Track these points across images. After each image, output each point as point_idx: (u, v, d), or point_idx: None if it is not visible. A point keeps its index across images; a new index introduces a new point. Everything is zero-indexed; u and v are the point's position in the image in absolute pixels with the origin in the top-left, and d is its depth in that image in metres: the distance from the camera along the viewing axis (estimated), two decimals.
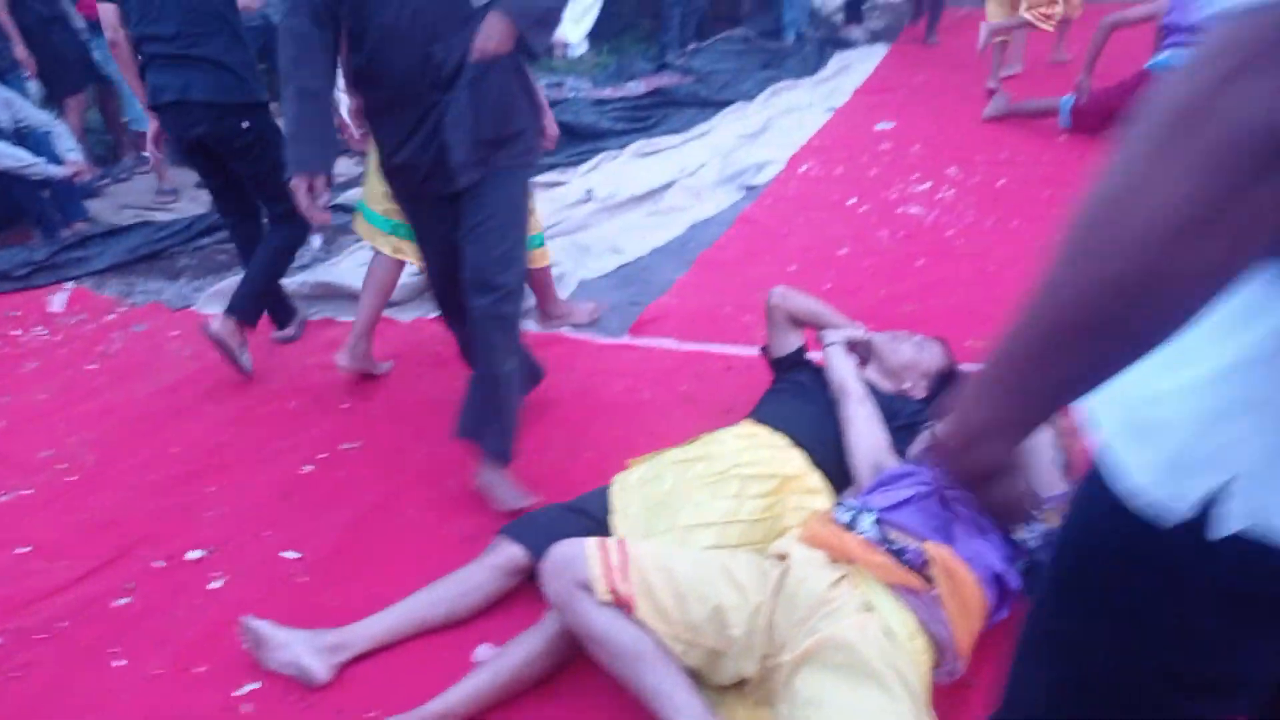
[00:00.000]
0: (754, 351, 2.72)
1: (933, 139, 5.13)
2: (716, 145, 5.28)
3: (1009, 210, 4.03)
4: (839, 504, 1.80)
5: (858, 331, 2.45)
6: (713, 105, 5.98)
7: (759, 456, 2.03)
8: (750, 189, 4.60)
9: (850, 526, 1.69)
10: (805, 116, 5.85)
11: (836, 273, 3.55)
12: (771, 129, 5.59)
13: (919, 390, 2.36)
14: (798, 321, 2.45)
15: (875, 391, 2.30)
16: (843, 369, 2.21)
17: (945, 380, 2.40)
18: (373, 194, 2.98)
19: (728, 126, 5.66)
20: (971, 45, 7.25)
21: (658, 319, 3.28)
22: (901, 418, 2.21)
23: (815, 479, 2.04)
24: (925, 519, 1.70)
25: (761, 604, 1.61)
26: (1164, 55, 4.57)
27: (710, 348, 3.03)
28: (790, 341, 2.44)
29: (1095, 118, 4.81)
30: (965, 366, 2.64)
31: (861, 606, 1.55)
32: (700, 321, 3.22)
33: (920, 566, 1.60)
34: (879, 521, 1.68)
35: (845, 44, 7.82)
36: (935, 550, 1.62)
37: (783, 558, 1.71)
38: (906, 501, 1.74)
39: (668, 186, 4.64)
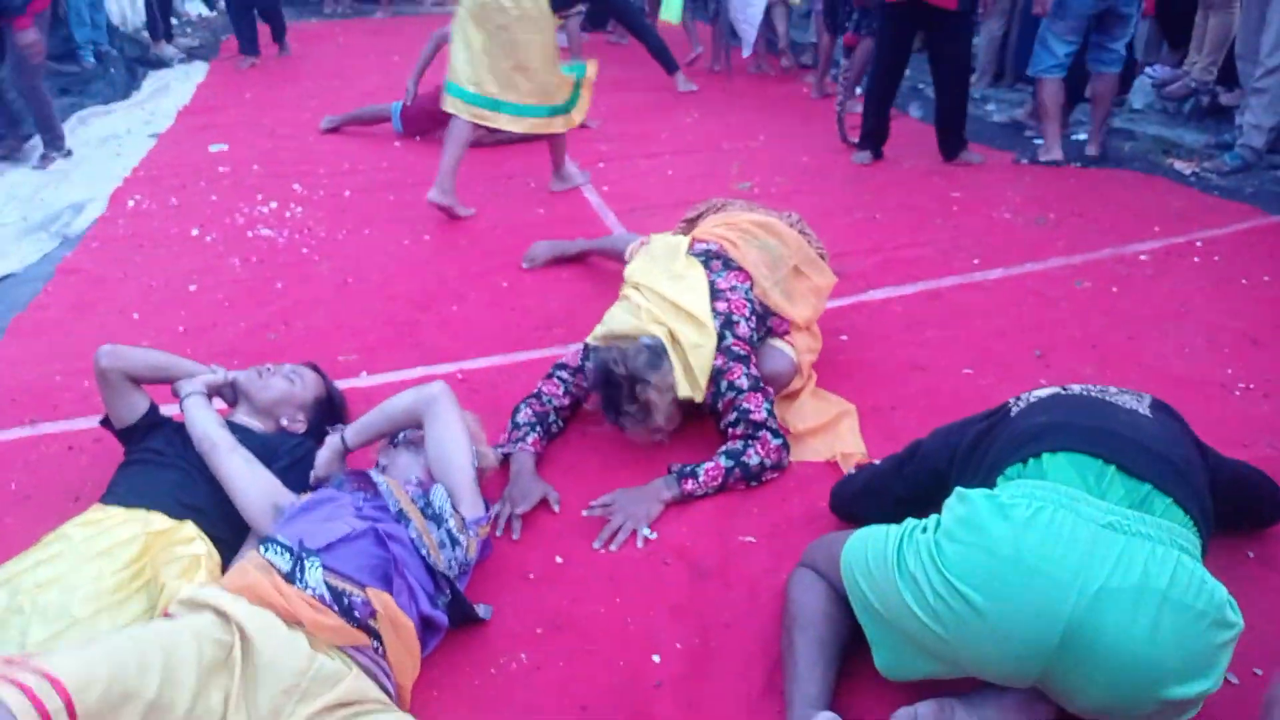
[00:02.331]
0: (98, 421, 2.34)
1: (272, 156, 4.98)
2: (12, 189, 4.44)
3: (359, 219, 4.10)
4: (270, 541, 1.63)
5: (216, 375, 2.26)
6: None
7: (112, 538, 1.76)
8: (69, 238, 3.96)
9: (291, 577, 1.54)
10: (125, 144, 5.24)
11: (189, 312, 3.24)
12: (85, 163, 4.89)
13: (298, 424, 2.27)
14: (140, 380, 2.16)
15: (251, 434, 2.15)
16: (202, 421, 2.02)
17: (323, 407, 2.35)
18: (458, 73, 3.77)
19: (26, 165, 4.79)
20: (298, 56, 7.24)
21: None
22: (283, 456, 2.10)
23: (189, 529, 1.84)
24: (364, 561, 1.63)
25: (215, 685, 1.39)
26: None
27: (44, 429, 2.54)
28: (136, 405, 2.14)
29: (422, 117, 5.15)
30: (341, 385, 2.64)
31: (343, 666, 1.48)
32: (25, 401, 2.68)
33: (367, 618, 1.53)
34: (324, 568, 1.56)
35: (159, 63, 7.18)
36: (378, 599, 1.56)
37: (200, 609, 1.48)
38: (344, 540, 1.65)
39: None
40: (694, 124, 5.61)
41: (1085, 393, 1.64)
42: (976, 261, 3.42)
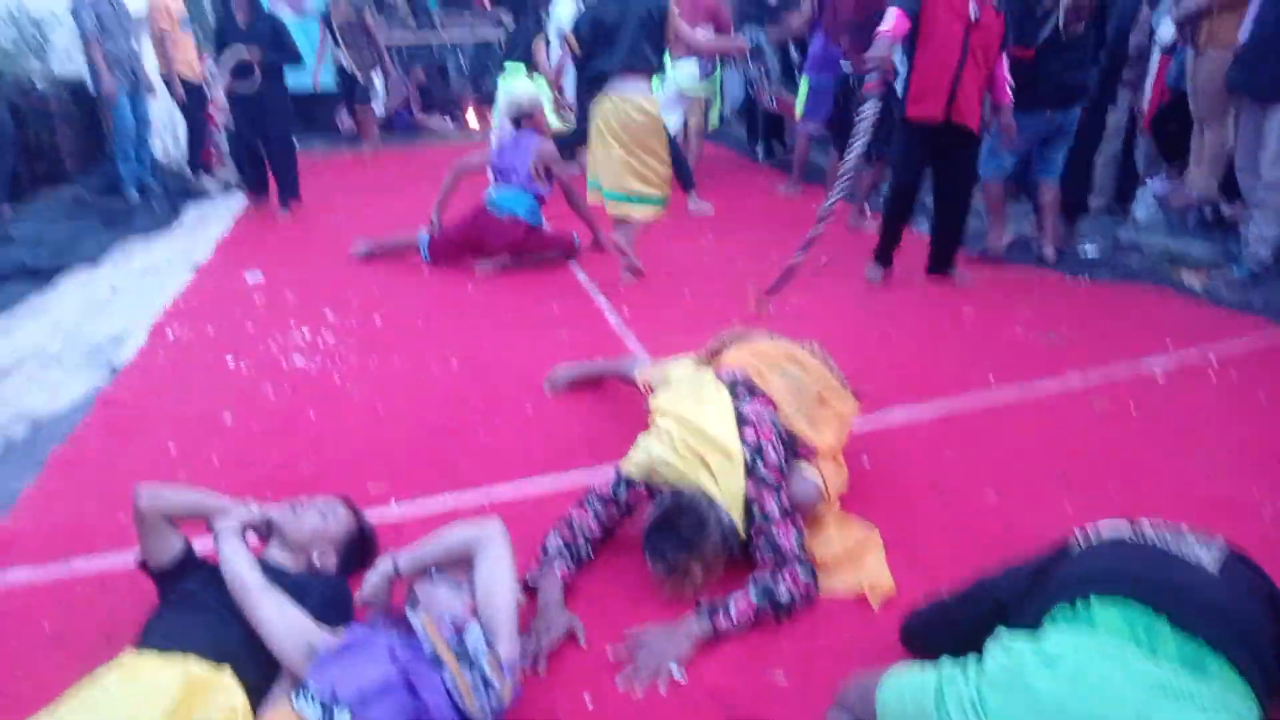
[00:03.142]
0: (133, 561, 2.39)
1: (306, 284, 5.17)
2: (58, 322, 4.63)
3: (388, 345, 4.22)
4: (302, 689, 1.65)
5: (251, 511, 2.32)
6: (45, 274, 5.24)
7: (148, 686, 1.79)
8: (111, 369, 4.10)
9: None
10: (165, 275, 5.45)
11: (224, 444, 3.33)
12: (126, 294, 5.09)
13: (330, 561, 2.31)
14: (177, 519, 2.23)
15: (284, 574, 2.19)
16: (235, 562, 2.06)
17: (355, 543, 2.40)
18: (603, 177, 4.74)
19: (70, 297, 5.00)
20: (323, 191, 7.56)
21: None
22: (315, 595, 2.13)
23: (226, 676, 1.86)
24: (396, 710, 1.66)
25: None
26: (491, 191, 5.31)
27: (78, 566, 2.60)
28: (172, 545, 2.20)
29: (448, 246, 5.37)
30: (371, 514, 2.69)
31: None
32: (59, 538, 2.74)
33: None
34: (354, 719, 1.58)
35: (200, 194, 7.52)
36: None
37: None
38: (377, 689, 1.67)
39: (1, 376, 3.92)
40: (712, 244, 5.78)
41: (1152, 537, 1.60)
42: (992, 379, 3.48)
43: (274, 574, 2.14)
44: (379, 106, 9.83)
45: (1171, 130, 5.52)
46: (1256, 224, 4.46)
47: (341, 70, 8.79)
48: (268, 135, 6.58)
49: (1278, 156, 4.27)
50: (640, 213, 4.85)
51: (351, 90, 8.99)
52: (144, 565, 2.22)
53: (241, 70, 6.35)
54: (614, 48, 4.53)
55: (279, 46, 6.55)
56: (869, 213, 5.96)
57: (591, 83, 4.69)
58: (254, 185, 6.93)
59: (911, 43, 4.24)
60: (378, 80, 9.34)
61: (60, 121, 6.62)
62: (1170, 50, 5.55)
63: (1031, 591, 1.62)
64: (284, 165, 6.74)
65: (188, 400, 3.72)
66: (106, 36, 6.51)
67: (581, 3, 7.37)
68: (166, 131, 7.94)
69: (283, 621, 1.96)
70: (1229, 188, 5.21)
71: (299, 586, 2.13)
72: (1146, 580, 1.44)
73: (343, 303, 4.84)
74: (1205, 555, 1.54)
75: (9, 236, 5.65)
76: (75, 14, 6.51)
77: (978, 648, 1.54)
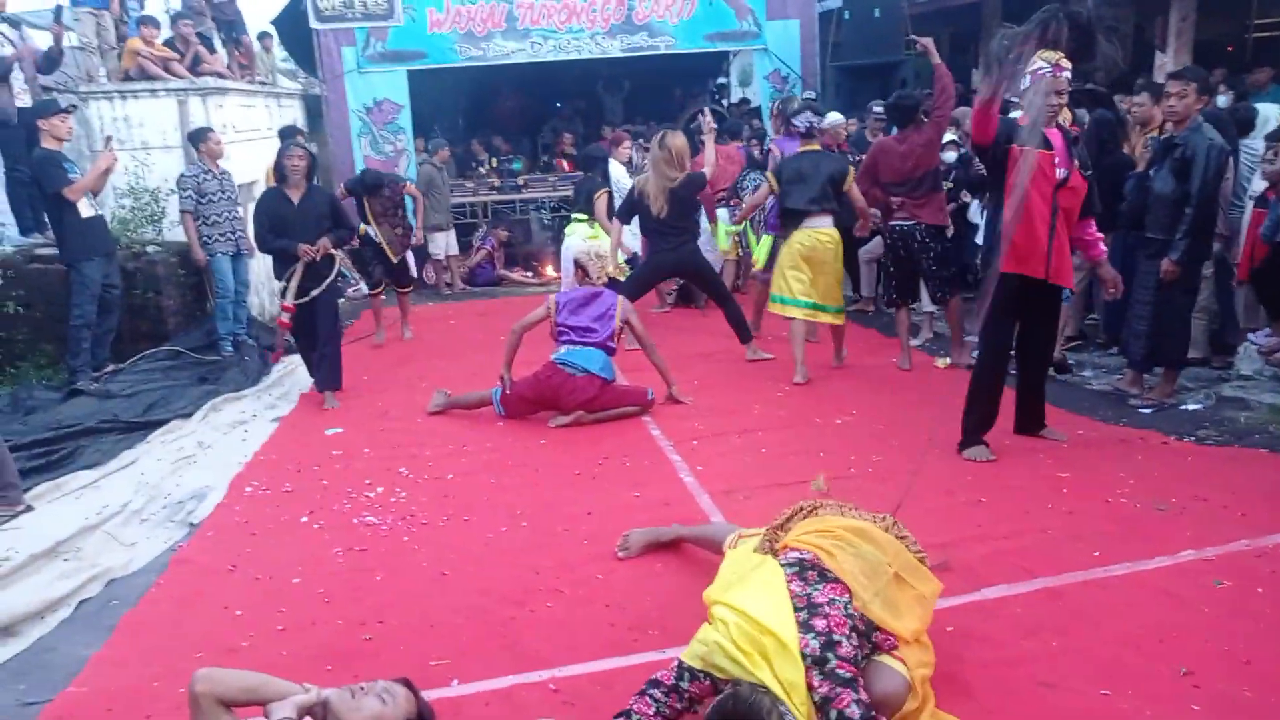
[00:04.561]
0: None
1: (382, 439, 5.22)
2: (144, 477, 4.74)
3: (460, 504, 4.18)
4: None
5: (309, 694, 2.22)
6: (139, 429, 5.42)
7: None
8: (191, 526, 4.15)
9: None
10: (250, 429, 5.59)
11: (289, 608, 3.27)
12: (212, 449, 5.22)
13: None
14: (233, 704, 2.15)
15: None
16: None
17: None
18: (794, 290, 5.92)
19: (159, 452, 5.15)
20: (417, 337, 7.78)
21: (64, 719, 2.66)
22: None
23: None
24: None
25: None
26: (562, 350, 5.35)
27: None
28: None
29: (521, 403, 5.39)
30: (431, 695, 2.56)
31: None
32: (119, 709, 2.68)
33: None
34: None
35: (290, 350, 7.79)
36: None
37: None
38: None
39: (85, 533, 3.99)
40: (784, 397, 5.68)
41: None
42: (1097, 554, 3.22)
43: None
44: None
45: (1273, 283, 5.30)
46: None
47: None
48: (319, 332, 5.91)
49: None
50: (832, 319, 6.08)
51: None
52: None
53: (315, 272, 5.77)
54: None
55: (340, 222, 5.99)
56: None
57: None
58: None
59: (998, 198, 4.19)
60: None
61: (166, 283, 7.00)
62: (1262, 202, 5.41)
63: None
64: (333, 356, 6.00)
65: (258, 560, 3.71)
66: (208, 205, 6.98)
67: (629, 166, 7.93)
68: (265, 289, 8.36)
69: None
70: None
71: None
72: None
73: (418, 458, 4.85)
74: None
75: (108, 392, 5.89)
76: (179, 188, 7.02)
77: None
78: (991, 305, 4.34)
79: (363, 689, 2.25)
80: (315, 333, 5.95)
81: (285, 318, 5.96)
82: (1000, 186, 4.17)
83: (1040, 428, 4.56)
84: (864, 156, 6.62)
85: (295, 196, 5.78)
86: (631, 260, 7.37)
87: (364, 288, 8.54)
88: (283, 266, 5.85)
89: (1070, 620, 2.80)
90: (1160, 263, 4.78)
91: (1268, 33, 9.80)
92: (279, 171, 5.84)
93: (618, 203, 7.18)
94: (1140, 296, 4.98)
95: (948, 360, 6.12)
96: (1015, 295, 4.21)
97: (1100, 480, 3.91)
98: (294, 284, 5.77)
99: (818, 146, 6.15)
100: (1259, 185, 5.50)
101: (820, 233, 5.88)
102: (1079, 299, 6.27)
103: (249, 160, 8.50)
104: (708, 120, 6.75)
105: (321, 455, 5.02)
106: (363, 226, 7.53)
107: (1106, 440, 4.53)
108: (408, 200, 8.37)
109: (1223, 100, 6.76)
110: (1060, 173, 4.09)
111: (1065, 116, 4.46)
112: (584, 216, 7.56)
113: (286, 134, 7.96)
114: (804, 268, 5.89)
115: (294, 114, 11.06)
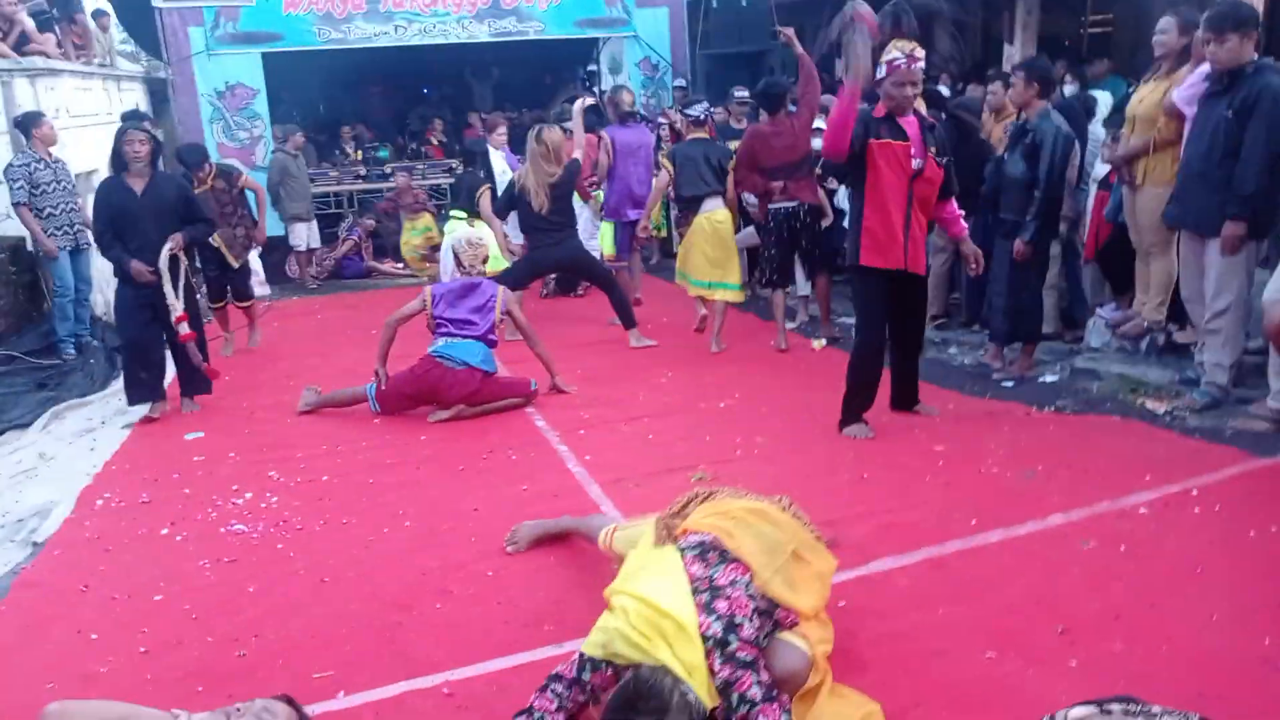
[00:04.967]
0: None
1: (249, 442, 4.93)
2: None
3: (337, 506, 3.97)
4: None
5: None
6: None
7: None
8: (35, 545, 3.79)
9: None
10: (99, 437, 5.17)
11: (152, 628, 3.02)
12: (55, 460, 4.80)
13: None
14: None
15: None
16: None
17: None
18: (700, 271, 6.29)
19: None
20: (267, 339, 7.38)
21: None
22: None
23: None
24: None
25: None
26: (440, 343, 5.19)
27: None
28: None
29: (398, 399, 5.19)
30: (316, 710, 2.42)
31: None
32: None
33: None
34: None
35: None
36: None
37: None
38: None
39: None
40: (668, 384, 5.68)
41: None
42: (974, 523, 3.34)
43: None
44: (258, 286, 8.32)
45: (1116, 261, 5.67)
46: (1210, 351, 4.50)
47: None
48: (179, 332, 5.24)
49: (1220, 287, 4.36)
50: (732, 296, 6.35)
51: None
52: None
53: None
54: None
55: (192, 214, 5.37)
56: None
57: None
58: (153, 393, 5.38)
59: (859, 193, 4.29)
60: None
61: None
62: (1105, 185, 5.76)
63: None
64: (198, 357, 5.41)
65: (114, 579, 3.41)
66: (42, 197, 6.41)
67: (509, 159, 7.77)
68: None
69: None
70: (1179, 313, 5.31)
71: None
72: None
73: (288, 460, 4.60)
74: None
75: None
76: (7, 179, 6.42)
77: None
78: (860, 297, 4.49)
79: (239, 710, 2.10)
80: (172, 332, 5.29)
81: (184, 329, 5.23)
82: (861, 181, 4.27)
83: (915, 404, 4.72)
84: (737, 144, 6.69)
85: (138, 186, 5.12)
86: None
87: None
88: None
89: (955, 588, 2.90)
90: (1013, 243, 5.03)
91: (1100, 28, 10.51)
92: (118, 158, 5.18)
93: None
94: (998, 274, 5.22)
95: (823, 342, 6.27)
96: (879, 285, 4.34)
97: (972, 452, 4.08)
98: (170, 288, 5.14)
99: (706, 134, 6.49)
100: (1101, 169, 5.86)
101: (717, 214, 6.27)
102: (943, 278, 6.54)
103: (87, 148, 7.86)
104: (581, 103, 6.73)
105: (181, 462, 4.68)
106: None
107: (975, 413, 4.74)
108: (250, 196, 7.27)
109: (1069, 90, 7.19)
110: (915, 163, 4.20)
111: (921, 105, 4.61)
112: (462, 214, 7.37)
113: (129, 119, 7.39)
114: (708, 249, 6.26)
115: (137, 98, 10.29)
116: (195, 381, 5.51)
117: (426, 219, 9.95)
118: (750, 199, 6.17)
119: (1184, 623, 2.58)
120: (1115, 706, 1.53)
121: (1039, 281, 5.31)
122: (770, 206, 6.11)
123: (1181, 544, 3.06)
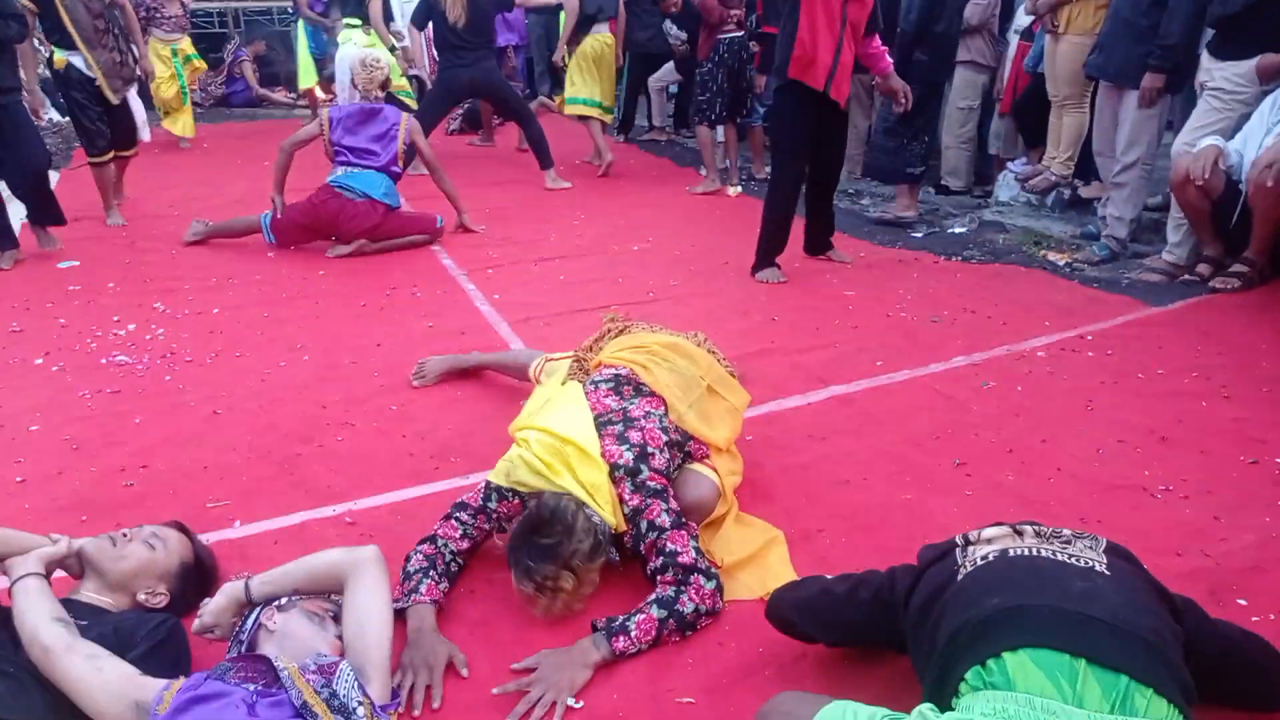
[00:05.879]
0: None
1: (132, 272, 4.61)
2: None
3: (230, 339, 3.78)
4: None
5: (57, 546, 1.93)
6: None
7: None
8: None
9: None
10: None
11: (29, 458, 2.85)
12: None
13: (158, 597, 1.97)
14: None
15: (102, 614, 1.84)
16: (31, 617, 1.68)
17: (192, 575, 2.05)
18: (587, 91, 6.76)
19: None
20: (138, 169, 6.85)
21: None
22: (142, 641, 1.78)
23: None
24: None
25: None
26: (339, 173, 4.87)
27: None
28: None
29: (294, 230, 4.91)
30: (211, 539, 2.33)
31: None
32: None
33: None
34: None
35: None
36: None
37: None
38: None
39: None
40: (581, 225, 5.54)
41: (1036, 551, 1.49)
42: (879, 364, 3.40)
43: (88, 614, 1.80)
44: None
45: (1031, 115, 5.67)
46: (1114, 205, 4.60)
47: None
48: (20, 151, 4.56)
49: (1132, 140, 4.41)
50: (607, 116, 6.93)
51: None
52: None
53: None
54: None
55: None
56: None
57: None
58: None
59: (794, 11, 4.08)
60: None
61: None
62: (1028, 36, 5.69)
63: (925, 621, 1.51)
64: (41, 179, 4.78)
65: None
66: None
67: None
68: None
69: (98, 679, 1.61)
70: (1086, 170, 5.38)
71: (120, 630, 1.78)
72: (1051, 617, 1.34)
73: (175, 292, 4.33)
74: (1095, 558, 1.47)
75: None
76: None
77: (860, 643, 1.80)
78: (784, 120, 4.32)
79: (125, 535, 1.99)
80: (12, 151, 4.55)
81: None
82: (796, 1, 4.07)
83: (828, 249, 4.71)
84: None
85: None
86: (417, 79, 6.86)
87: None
88: None
89: (860, 423, 2.96)
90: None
91: None
92: None
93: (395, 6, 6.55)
94: (883, 113, 5.28)
95: (739, 188, 6.18)
96: (803, 108, 4.20)
97: (882, 297, 4.12)
98: None
99: None
100: (1024, 20, 5.77)
101: (605, 37, 6.76)
102: (862, 132, 6.46)
103: None
104: None
105: (55, 292, 4.35)
106: (60, 54, 5.00)
107: (886, 261, 4.77)
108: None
109: None
110: None
111: None
112: (357, 22, 6.79)
113: None
114: (594, 71, 6.71)
115: None
116: (39, 209, 4.84)
117: (186, 44, 7.93)
118: (676, 31, 5.92)
119: (1072, 456, 2.69)
120: (1027, 527, 1.56)
121: (913, 124, 5.15)
122: (719, 37, 5.85)
123: (1074, 384, 3.18)
